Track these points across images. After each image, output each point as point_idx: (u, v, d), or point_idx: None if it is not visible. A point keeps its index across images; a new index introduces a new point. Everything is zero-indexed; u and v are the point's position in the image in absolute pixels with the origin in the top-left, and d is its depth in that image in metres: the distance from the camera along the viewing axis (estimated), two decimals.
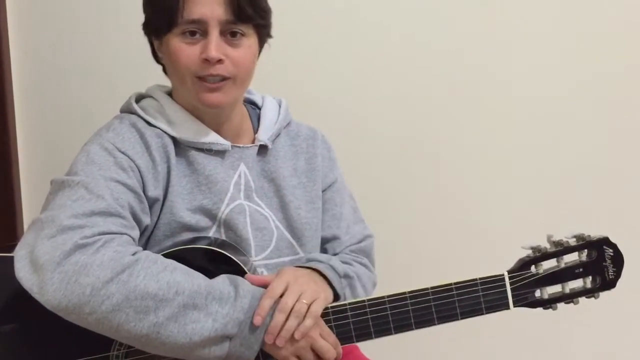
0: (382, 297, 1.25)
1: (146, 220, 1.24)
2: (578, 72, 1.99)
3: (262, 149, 1.37)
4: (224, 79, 1.26)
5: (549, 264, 1.29)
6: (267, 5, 1.31)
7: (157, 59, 1.37)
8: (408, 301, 1.25)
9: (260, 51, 1.34)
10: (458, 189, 2.02)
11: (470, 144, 2.01)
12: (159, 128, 1.29)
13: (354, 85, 1.97)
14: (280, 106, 1.43)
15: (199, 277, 1.15)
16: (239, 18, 1.24)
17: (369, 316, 1.24)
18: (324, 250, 1.45)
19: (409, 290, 1.25)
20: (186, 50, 1.24)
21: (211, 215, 1.29)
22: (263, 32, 1.31)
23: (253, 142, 1.38)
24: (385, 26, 1.95)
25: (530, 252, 1.28)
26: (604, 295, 1.30)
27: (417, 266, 1.98)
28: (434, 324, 1.26)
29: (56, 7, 1.92)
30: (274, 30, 1.35)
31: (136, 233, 1.21)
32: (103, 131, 1.28)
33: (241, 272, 1.24)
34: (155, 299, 1.09)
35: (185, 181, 1.28)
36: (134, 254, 1.13)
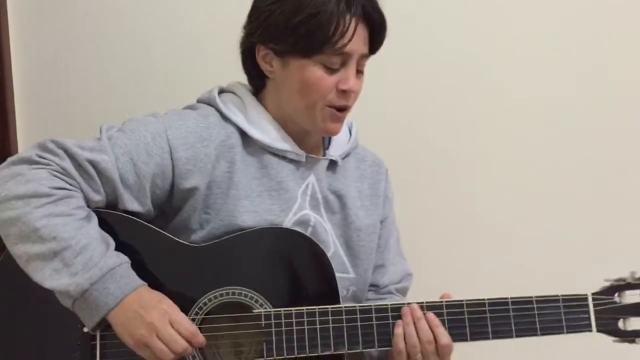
0: (460, 301, 1.24)
1: (131, 205, 1.25)
2: (597, 72, 1.98)
3: (332, 165, 1.40)
4: (348, 108, 1.33)
5: (633, 298, 1.26)
6: None
7: (247, 62, 1.37)
8: (486, 308, 1.23)
9: None
10: (463, 191, 2.01)
11: (475, 145, 2.00)
12: (235, 124, 1.32)
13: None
14: (350, 129, 1.48)
15: (87, 235, 1.17)
16: (372, 53, 1.32)
17: (445, 318, 1.23)
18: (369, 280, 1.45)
19: (488, 297, 1.24)
20: (327, 80, 1.27)
21: (275, 224, 1.30)
22: None
23: (323, 156, 1.40)
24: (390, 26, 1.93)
25: (613, 282, 1.27)
26: None
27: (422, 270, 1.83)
28: (512, 337, 1.23)
29: (56, 7, 1.95)
30: None
31: (97, 197, 1.23)
32: (173, 113, 1.32)
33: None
34: (36, 233, 1.15)
35: (256, 184, 1.31)
36: (60, 189, 1.18)
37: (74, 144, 1.23)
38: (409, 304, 1.24)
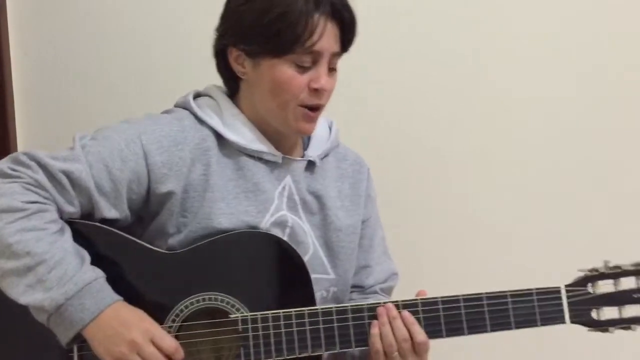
0: (435, 298, 1.25)
1: (108, 212, 1.26)
2: (596, 73, 1.98)
3: (310, 165, 1.40)
4: (322, 107, 1.33)
5: (606, 288, 1.27)
6: None
7: (221, 65, 1.38)
8: (461, 304, 1.25)
9: None
10: (464, 191, 2.00)
11: (475, 145, 2.00)
12: (211, 127, 1.32)
13: (357, 84, 1.93)
14: (330, 127, 1.47)
15: (61, 249, 1.17)
16: (343, 51, 1.33)
17: (421, 316, 1.24)
18: (354, 281, 1.46)
19: (463, 294, 1.25)
20: (298, 79, 1.28)
21: (252, 226, 1.30)
22: None
23: (302, 157, 1.40)
24: (388, 24, 1.96)
25: (587, 272, 1.28)
26: None
27: (422, 271, 1.90)
28: (487, 331, 1.25)
29: (56, 7, 1.94)
30: None
31: (71, 209, 1.23)
32: (147, 118, 1.33)
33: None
34: (9, 249, 1.15)
35: (232, 185, 1.31)
36: (33, 203, 1.18)
37: (46, 155, 1.23)
38: (384, 303, 1.25)
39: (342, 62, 1.86)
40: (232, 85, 1.39)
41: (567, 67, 1.97)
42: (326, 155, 1.44)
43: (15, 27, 1.95)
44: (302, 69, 1.28)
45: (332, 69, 1.32)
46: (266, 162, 1.35)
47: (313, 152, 1.41)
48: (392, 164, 1.97)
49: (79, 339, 1.18)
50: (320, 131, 1.44)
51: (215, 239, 1.26)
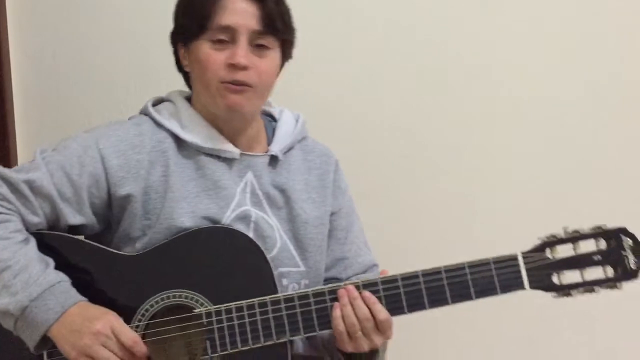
0: (395, 276, 1.26)
1: (73, 219, 1.30)
2: (588, 73, 1.99)
3: (274, 160, 1.41)
4: (247, 86, 1.33)
5: (565, 252, 1.28)
6: (293, 23, 1.40)
7: (180, 68, 1.44)
8: (420, 279, 1.25)
9: (281, 69, 1.42)
10: (463, 191, 2.01)
11: (473, 144, 2.01)
12: (169, 130, 1.36)
13: (357, 85, 1.98)
14: (297, 121, 1.49)
15: (25, 256, 1.22)
16: (268, 30, 1.32)
17: (382, 294, 1.25)
18: (332, 273, 1.47)
19: (422, 269, 1.26)
20: (214, 56, 1.31)
21: (215, 221, 1.33)
22: (286, 49, 1.40)
23: (266, 152, 1.42)
24: (387, 25, 1.97)
25: (545, 238, 1.29)
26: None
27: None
28: (448, 304, 1.25)
29: (56, 9, 1.96)
30: None
31: (35, 219, 1.28)
32: (105, 125, 1.39)
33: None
34: None
35: (192, 185, 1.34)
36: None
37: (9, 170, 1.28)
38: (345, 284, 1.26)
39: (347, 62, 1.94)
40: (188, 84, 1.45)
41: (568, 67, 1.98)
42: (291, 149, 1.45)
43: (15, 27, 1.97)
44: (220, 45, 1.32)
45: (260, 46, 1.33)
46: (224, 159, 1.37)
47: (276, 147, 1.43)
48: (391, 164, 1.98)
49: (48, 345, 1.21)
50: (286, 126, 1.47)
51: (175, 237, 1.29)
